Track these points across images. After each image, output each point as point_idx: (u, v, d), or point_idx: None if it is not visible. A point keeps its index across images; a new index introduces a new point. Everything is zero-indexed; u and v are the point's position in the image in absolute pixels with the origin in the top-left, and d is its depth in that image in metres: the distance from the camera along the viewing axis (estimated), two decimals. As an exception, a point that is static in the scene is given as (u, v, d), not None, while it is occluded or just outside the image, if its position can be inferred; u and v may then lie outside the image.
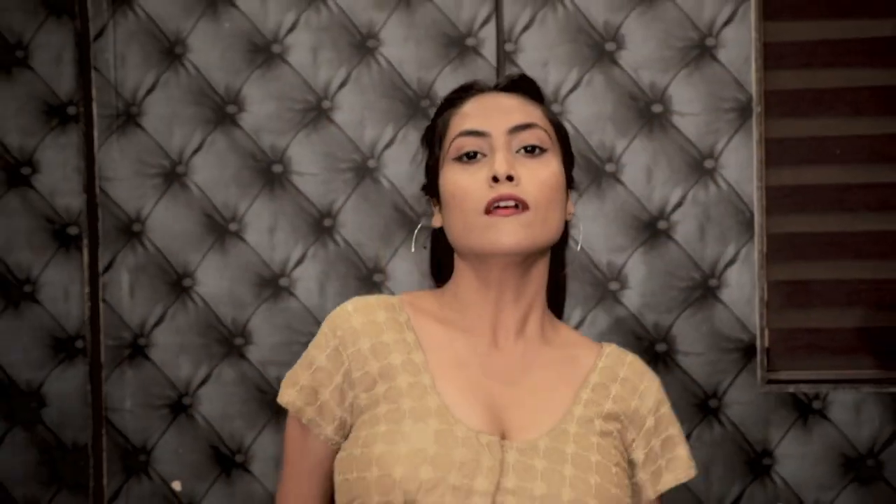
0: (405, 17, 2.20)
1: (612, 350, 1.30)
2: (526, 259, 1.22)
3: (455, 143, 1.22)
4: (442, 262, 1.33)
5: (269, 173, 2.24)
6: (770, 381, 2.18)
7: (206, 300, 2.25)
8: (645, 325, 2.19)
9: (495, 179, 1.18)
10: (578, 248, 1.32)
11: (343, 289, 2.22)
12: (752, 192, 2.18)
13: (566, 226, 1.29)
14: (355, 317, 1.22)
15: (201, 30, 2.23)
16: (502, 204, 1.17)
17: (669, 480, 1.26)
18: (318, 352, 1.22)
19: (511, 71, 1.32)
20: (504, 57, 2.19)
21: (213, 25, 2.23)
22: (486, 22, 2.19)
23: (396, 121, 2.21)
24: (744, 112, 2.17)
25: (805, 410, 2.18)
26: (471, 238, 1.20)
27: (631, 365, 1.29)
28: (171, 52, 2.24)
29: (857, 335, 2.20)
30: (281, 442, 2.18)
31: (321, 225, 2.23)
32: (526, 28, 2.19)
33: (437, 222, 1.29)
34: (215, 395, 2.24)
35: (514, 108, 1.24)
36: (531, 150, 1.22)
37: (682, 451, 1.27)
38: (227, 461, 2.24)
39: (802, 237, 2.21)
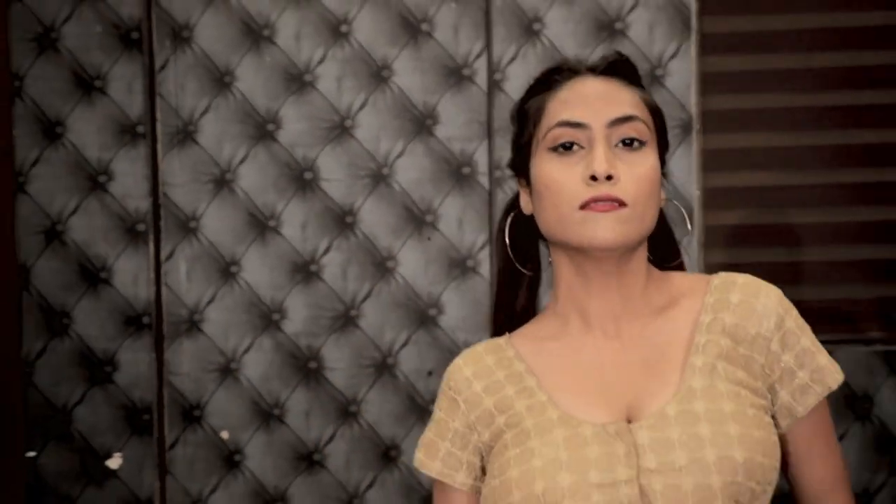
0: (413, 51, 2.72)
1: (720, 279, 1.23)
2: (625, 252, 1.19)
3: (552, 133, 1.18)
4: (526, 249, 1.30)
5: (302, 179, 2.74)
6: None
7: (249, 284, 2.74)
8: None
9: (593, 178, 1.15)
10: (689, 227, 1.29)
11: (362, 273, 2.71)
12: (693, 193, 2.70)
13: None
14: (465, 368, 1.23)
15: (246, 63, 2.74)
16: (600, 201, 1.15)
17: (816, 393, 1.18)
18: (437, 408, 1.24)
19: (608, 53, 1.24)
20: (493, 84, 2.70)
21: (256, 59, 2.74)
22: (478, 56, 2.71)
23: (406, 136, 2.71)
24: (685, 128, 2.69)
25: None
26: (567, 232, 1.17)
27: (743, 287, 1.21)
28: (221, 80, 2.74)
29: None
30: (311, 398, 2.67)
31: (344, 221, 2.73)
32: (511, 61, 2.70)
33: (527, 209, 1.25)
34: (256, 361, 2.73)
35: (614, 97, 1.19)
36: (630, 143, 1.18)
37: (821, 359, 1.19)
38: (265, 415, 2.73)
39: (734, 228, 2.73)
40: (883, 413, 2.67)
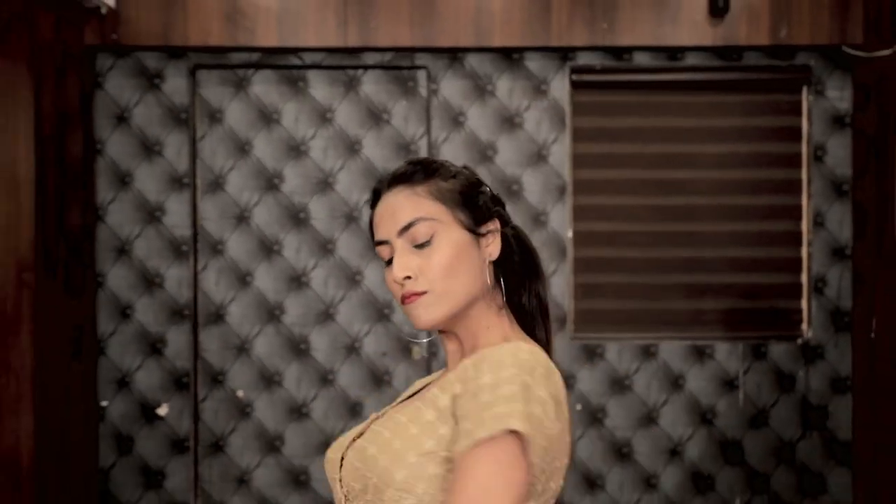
0: (376, 132, 3.93)
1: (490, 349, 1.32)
2: (452, 319, 1.39)
3: (377, 250, 1.43)
4: None
5: (297, 218, 3.94)
6: (573, 339, 3.95)
7: (259, 289, 3.93)
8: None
9: (396, 282, 1.39)
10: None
11: (338, 283, 3.92)
12: (567, 235, 3.95)
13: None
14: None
15: (260, 136, 3.93)
16: (407, 295, 1.38)
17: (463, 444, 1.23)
18: (544, 397, 1.31)
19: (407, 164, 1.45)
20: (431, 156, 3.92)
21: (267, 134, 3.93)
22: (421, 136, 3.93)
23: (370, 191, 3.93)
24: (562, 190, 3.93)
25: (591, 354, 3.95)
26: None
27: (480, 357, 1.31)
28: (242, 148, 3.94)
29: (620, 314, 3.99)
30: (301, 369, 3.87)
31: (326, 247, 3.94)
32: (444, 140, 3.93)
33: None
34: (263, 343, 3.93)
35: (397, 210, 1.37)
36: (419, 245, 1.37)
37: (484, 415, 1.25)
38: (269, 380, 3.93)
39: (596, 259, 3.98)
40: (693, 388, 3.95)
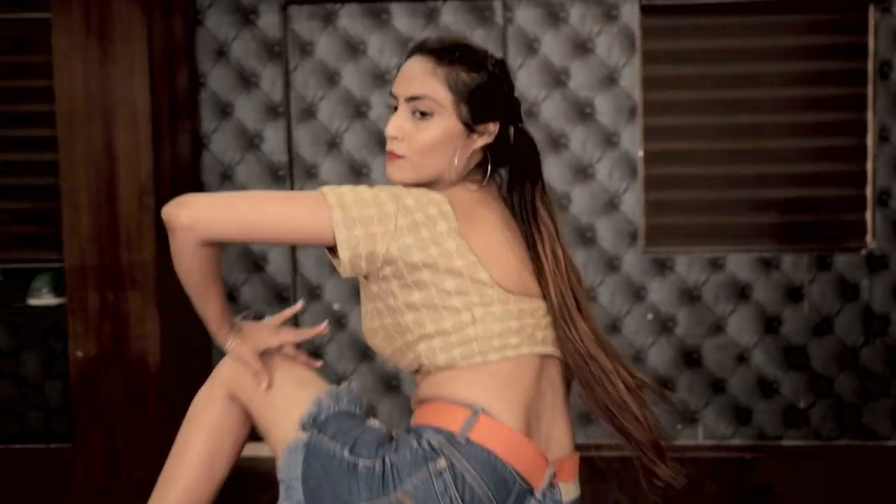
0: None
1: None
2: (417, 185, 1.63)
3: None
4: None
5: (384, 143, 4.23)
6: (645, 253, 4.20)
7: (350, 209, 4.25)
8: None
9: (387, 136, 1.61)
10: (497, 178, 1.71)
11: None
12: (638, 154, 4.17)
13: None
14: None
15: (348, 67, 4.21)
16: (389, 152, 1.60)
17: None
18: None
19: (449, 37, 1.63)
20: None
21: (354, 64, 4.21)
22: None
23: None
24: (633, 112, 4.14)
25: (662, 266, 4.19)
26: None
27: None
28: (332, 78, 4.22)
29: (697, 228, 4.22)
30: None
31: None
32: (520, 67, 4.15)
33: None
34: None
35: (416, 77, 1.54)
36: (422, 115, 1.55)
37: None
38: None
39: (666, 177, 4.20)
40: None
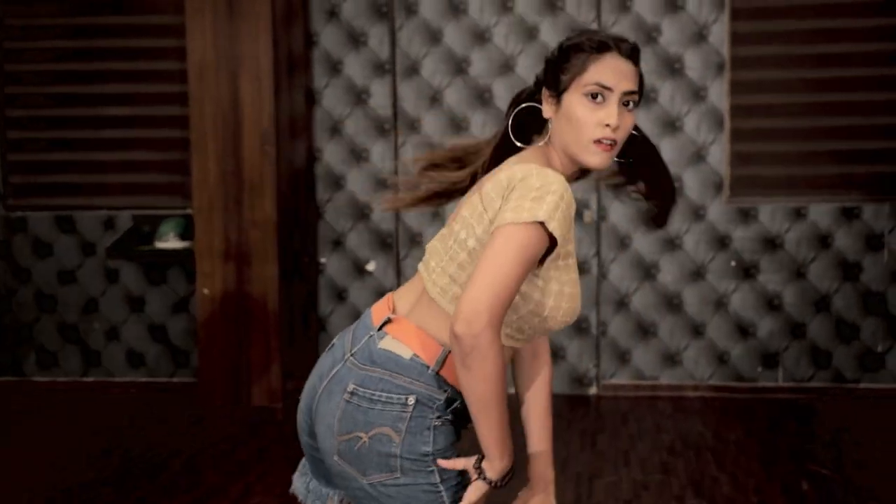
0: (552, 19, 4.42)
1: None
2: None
3: (590, 87, 1.69)
4: (522, 126, 1.80)
5: (482, 98, 4.50)
6: (729, 202, 4.42)
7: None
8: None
9: (607, 125, 1.68)
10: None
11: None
12: (725, 107, 4.38)
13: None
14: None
15: (450, 26, 4.48)
16: (605, 141, 1.69)
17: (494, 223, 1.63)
18: (560, 203, 1.59)
19: (628, 39, 1.74)
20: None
21: (455, 23, 4.47)
22: (592, 21, 4.39)
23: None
24: (721, 67, 4.35)
25: (746, 216, 4.41)
26: (576, 149, 1.70)
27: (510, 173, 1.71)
28: (434, 37, 4.49)
29: (773, 180, 4.43)
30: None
31: (508, 123, 4.49)
32: (613, 24, 4.38)
33: (547, 114, 1.74)
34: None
35: (630, 76, 1.71)
36: (627, 105, 1.71)
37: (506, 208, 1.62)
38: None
39: (752, 130, 4.41)
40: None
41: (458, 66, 4.49)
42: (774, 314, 4.43)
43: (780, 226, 4.40)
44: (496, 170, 1.73)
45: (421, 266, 1.76)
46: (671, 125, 4.40)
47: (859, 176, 4.38)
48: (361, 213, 4.59)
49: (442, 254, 1.71)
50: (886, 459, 3.54)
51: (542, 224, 1.56)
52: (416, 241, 4.58)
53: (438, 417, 1.66)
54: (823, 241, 4.39)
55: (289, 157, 4.25)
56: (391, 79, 4.52)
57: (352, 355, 1.71)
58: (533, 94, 1.80)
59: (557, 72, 1.72)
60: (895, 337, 4.38)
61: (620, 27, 4.35)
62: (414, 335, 1.70)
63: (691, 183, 4.41)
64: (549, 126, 1.73)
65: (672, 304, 4.46)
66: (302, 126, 4.42)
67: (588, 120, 1.68)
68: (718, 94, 4.36)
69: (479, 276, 1.55)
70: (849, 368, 4.42)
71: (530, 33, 4.44)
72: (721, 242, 4.43)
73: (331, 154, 4.57)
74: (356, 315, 4.61)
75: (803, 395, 4.39)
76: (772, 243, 4.41)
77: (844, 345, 4.41)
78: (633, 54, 1.73)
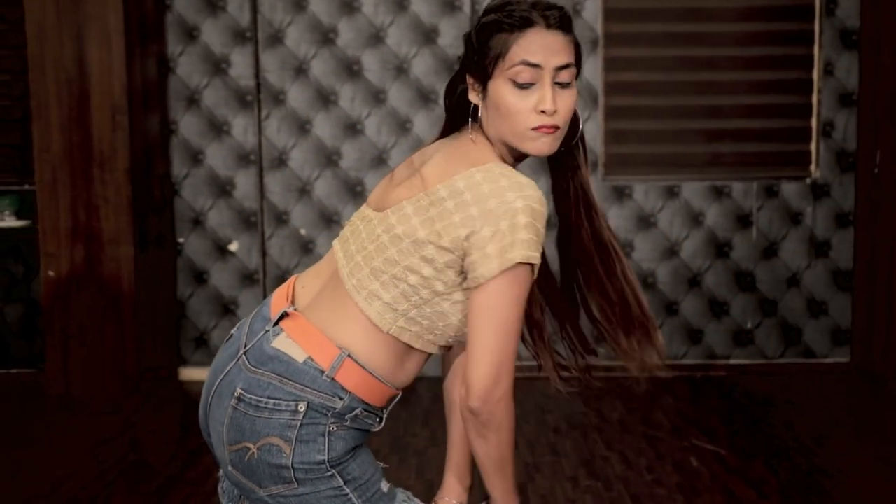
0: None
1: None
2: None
3: (515, 69, 1.48)
4: (454, 115, 1.60)
5: (351, 70, 4.27)
6: (604, 180, 4.36)
7: (318, 136, 4.29)
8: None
9: (543, 111, 1.47)
10: (580, 128, 1.58)
11: (387, 134, 4.28)
12: (599, 85, 4.31)
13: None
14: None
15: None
16: (543, 129, 1.48)
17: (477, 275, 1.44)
18: (538, 230, 1.43)
19: (554, 4, 1.53)
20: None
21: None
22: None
23: (422, 37, 4.26)
24: (595, 43, 4.28)
25: (619, 194, 4.36)
26: (518, 140, 1.51)
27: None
28: (299, 4, 4.24)
29: (645, 158, 4.39)
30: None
31: (378, 98, 4.28)
32: (486, -4, 4.24)
33: (474, 100, 1.55)
34: (322, 186, 4.31)
35: (560, 49, 1.49)
36: (564, 85, 1.50)
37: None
38: (328, 221, 4.33)
39: (625, 108, 4.36)
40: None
41: (325, 36, 4.25)
42: (648, 293, 4.40)
43: (654, 204, 4.37)
44: (441, 161, 1.51)
45: (337, 245, 1.55)
46: (546, 101, 4.29)
47: (728, 155, 4.40)
48: (223, 189, 4.29)
49: (366, 242, 1.50)
50: (763, 432, 3.55)
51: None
52: (283, 220, 4.32)
53: (334, 423, 1.49)
54: (696, 219, 4.39)
55: (142, 128, 3.91)
56: (253, 47, 4.24)
57: (245, 353, 1.51)
58: (460, 79, 1.58)
59: (477, 56, 1.52)
60: (764, 313, 4.43)
61: None
62: (311, 334, 1.50)
63: (566, 160, 4.32)
64: (480, 114, 1.54)
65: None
66: (155, 95, 4.08)
67: (520, 108, 1.49)
68: (593, 70, 4.29)
69: (482, 344, 1.43)
70: (720, 345, 4.44)
71: (400, 3, 4.25)
72: (595, 221, 4.36)
73: (187, 126, 4.25)
74: (217, 299, 4.31)
75: (677, 372, 4.38)
76: (646, 221, 4.38)
77: (716, 321, 4.43)
78: (562, 23, 1.52)
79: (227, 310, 4.31)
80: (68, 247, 3.75)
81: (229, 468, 1.50)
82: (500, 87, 1.50)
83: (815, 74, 4.36)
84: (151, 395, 3.92)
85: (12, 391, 4.10)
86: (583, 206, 1.64)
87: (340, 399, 1.47)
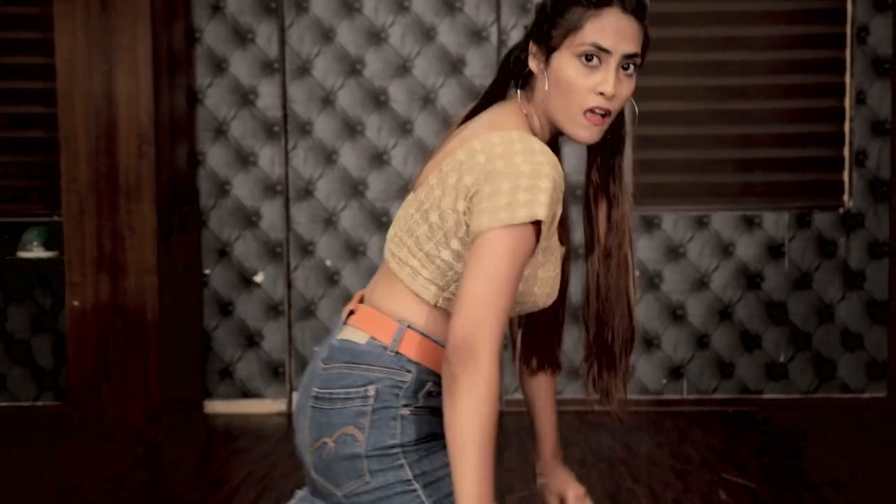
0: (450, 20, 4.24)
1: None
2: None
3: (584, 47, 1.45)
4: (506, 78, 1.57)
5: (378, 101, 4.28)
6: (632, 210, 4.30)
7: (344, 166, 4.29)
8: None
9: (601, 93, 1.45)
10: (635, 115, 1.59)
11: (421, 155, 4.27)
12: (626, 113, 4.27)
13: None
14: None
15: (343, 24, 4.25)
16: (598, 111, 1.45)
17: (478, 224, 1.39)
18: (547, 185, 1.39)
19: None
20: (500, 43, 4.23)
21: (349, 22, 4.25)
22: (492, 24, 4.24)
23: (444, 74, 4.26)
24: (622, 72, 4.25)
25: (648, 224, 4.31)
26: (564, 119, 1.48)
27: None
28: (327, 35, 4.26)
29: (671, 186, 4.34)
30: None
31: (405, 128, 4.28)
32: (513, 27, 4.23)
33: (534, 70, 1.51)
34: (348, 216, 4.30)
35: (633, 37, 1.47)
36: (627, 69, 1.47)
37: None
38: (354, 251, 4.31)
39: (653, 137, 4.32)
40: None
41: (352, 67, 4.26)
42: (678, 324, 4.33)
43: (683, 234, 4.31)
44: (469, 131, 1.50)
45: (388, 235, 1.59)
46: (573, 130, 4.26)
47: (759, 184, 4.34)
48: (249, 220, 4.29)
49: (402, 223, 1.52)
50: (795, 466, 3.46)
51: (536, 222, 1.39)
52: (308, 251, 4.31)
53: (406, 406, 1.47)
54: (726, 249, 4.32)
55: (169, 159, 3.92)
56: (280, 78, 4.26)
57: (322, 361, 1.54)
58: (522, 46, 1.56)
59: (548, 25, 1.49)
60: (797, 346, 4.34)
61: (519, 31, 4.21)
62: (371, 317, 1.51)
63: (594, 190, 4.28)
64: (534, 83, 1.52)
65: (576, 316, 4.30)
66: (183, 127, 4.11)
67: (580, 85, 1.46)
68: (620, 99, 4.25)
69: (465, 293, 1.36)
70: (752, 379, 4.35)
71: (427, 34, 4.25)
72: (623, 252, 4.31)
73: (215, 157, 4.27)
74: (242, 330, 4.30)
75: (708, 406, 4.30)
76: (675, 252, 4.32)
77: (747, 354, 4.34)
78: (637, 10, 1.49)
79: (252, 342, 4.30)
80: (93, 277, 3.75)
81: (312, 473, 1.50)
82: (565, 60, 1.47)
83: (848, 103, 4.29)
84: (175, 427, 3.90)
85: (39, 423, 4.10)
86: (613, 190, 1.67)
87: (408, 371, 1.47)
